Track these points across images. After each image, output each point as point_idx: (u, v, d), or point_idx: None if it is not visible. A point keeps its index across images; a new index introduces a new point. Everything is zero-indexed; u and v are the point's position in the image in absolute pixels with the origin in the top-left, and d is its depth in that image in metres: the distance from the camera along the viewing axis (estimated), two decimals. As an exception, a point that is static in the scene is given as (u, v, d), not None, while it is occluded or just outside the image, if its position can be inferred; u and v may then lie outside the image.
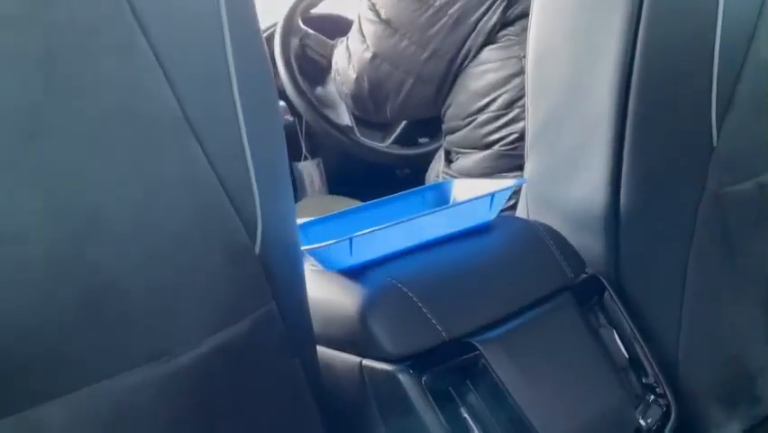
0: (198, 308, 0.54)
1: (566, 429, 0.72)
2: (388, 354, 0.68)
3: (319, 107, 1.47)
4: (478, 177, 1.17)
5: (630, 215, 0.84)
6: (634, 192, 0.83)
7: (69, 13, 0.44)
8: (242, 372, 0.58)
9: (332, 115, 1.48)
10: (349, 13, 1.58)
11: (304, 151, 1.60)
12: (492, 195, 0.79)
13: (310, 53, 1.49)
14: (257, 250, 0.56)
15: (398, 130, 1.56)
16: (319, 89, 1.52)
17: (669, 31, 0.79)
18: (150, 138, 0.48)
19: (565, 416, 0.72)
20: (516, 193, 1.02)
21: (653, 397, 0.80)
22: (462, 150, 1.21)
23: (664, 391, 0.80)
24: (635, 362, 0.81)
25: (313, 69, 1.50)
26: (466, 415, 0.68)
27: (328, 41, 1.47)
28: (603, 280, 0.83)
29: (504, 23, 1.13)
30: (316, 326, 0.68)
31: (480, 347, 0.70)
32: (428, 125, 1.50)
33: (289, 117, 1.56)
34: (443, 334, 0.70)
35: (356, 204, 1.33)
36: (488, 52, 1.14)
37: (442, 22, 1.13)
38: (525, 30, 0.99)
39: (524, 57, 1.04)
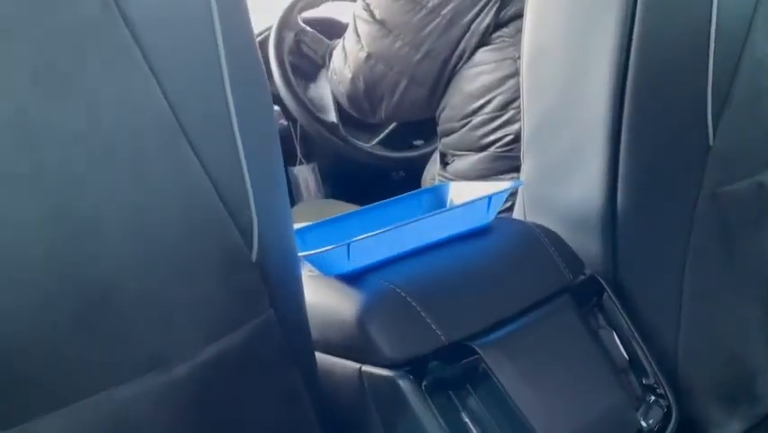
0: (195, 316, 0.53)
1: (567, 432, 0.71)
2: (388, 359, 0.68)
3: (314, 112, 1.47)
4: (474, 179, 1.17)
5: (627, 214, 0.84)
6: (631, 192, 0.83)
7: (61, 22, 0.44)
8: (241, 380, 0.57)
9: (322, 115, 1.48)
10: (344, 18, 1.58)
11: (299, 155, 1.60)
12: (489, 197, 0.79)
13: (305, 49, 1.49)
14: (254, 257, 0.56)
15: (386, 131, 1.55)
16: (312, 87, 1.51)
17: (663, 30, 0.79)
18: (144, 146, 0.48)
19: (566, 418, 0.72)
20: (512, 195, 1.02)
21: (653, 398, 0.79)
22: (458, 152, 1.21)
23: (665, 391, 0.80)
24: (634, 362, 0.81)
25: (306, 65, 1.50)
26: (467, 419, 0.68)
27: (324, 38, 1.47)
28: (602, 281, 0.83)
29: (498, 25, 1.13)
30: (315, 332, 0.67)
31: (479, 351, 0.70)
32: (421, 128, 1.50)
33: (284, 122, 1.56)
34: (443, 338, 0.69)
35: (352, 208, 1.32)
36: (482, 54, 1.14)
37: (435, 22, 1.13)
38: (519, 31, 0.99)
39: (518, 58, 1.04)
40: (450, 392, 0.69)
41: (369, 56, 1.19)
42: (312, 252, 0.71)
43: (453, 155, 1.23)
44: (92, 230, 0.47)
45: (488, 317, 0.73)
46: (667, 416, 0.79)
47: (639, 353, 0.81)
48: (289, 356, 0.61)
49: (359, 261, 0.74)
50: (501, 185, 0.82)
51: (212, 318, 0.54)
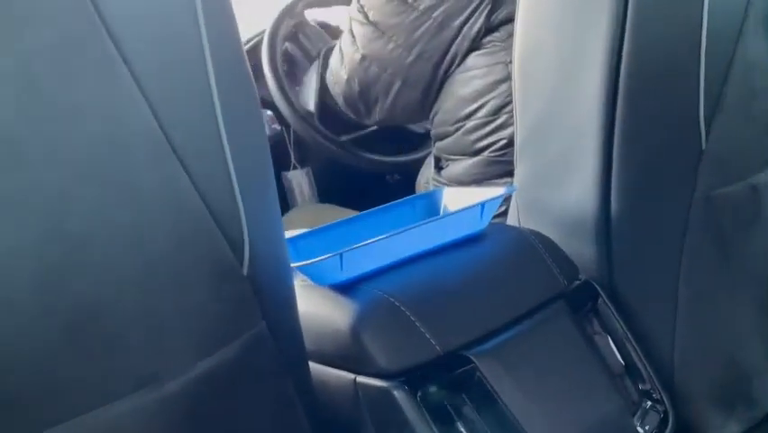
0: (187, 332, 0.53)
1: (564, 439, 0.71)
2: (382, 369, 0.67)
3: (308, 118, 1.46)
4: (468, 183, 1.17)
5: (621, 218, 0.83)
6: (624, 196, 0.83)
7: (46, 38, 0.43)
8: (234, 394, 0.57)
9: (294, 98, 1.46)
10: (342, 24, 1.58)
11: (293, 160, 1.60)
12: (483, 204, 0.79)
13: (302, 38, 1.48)
14: (245, 270, 0.56)
15: (362, 132, 1.52)
16: (303, 81, 1.50)
17: (655, 33, 0.79)
18: (132, 162, 0.48)
19: (563, 426, 0.72)
20: (506, 200, 1.01)
21: (650, 403, 0.79)
22: (452, 156, 1.21)
23: (661, 396, 0.79)
24: (630, 368, 0.80)
25: (299, 55, 1.50)
26: (463, 429, 0.68)
27: (325, 34, 1.47)
28: (596, 286, 0.83)
29: (489, 29, 1.13)
30: (308, 342, 0.67)
31: (474, 360, 0.69)
32: (401, 135, 1.49)
33: (277, 126, 1.56)
34: (437, 348, 0.69)
35: (346, 212, 1.32)
36: (474, 58, 1.14)
37: (426, 25, 1.13)
38: (510, 36, 0.99)
39: (510, 62, 1.04)
40: (445, 402, 0.69)
41: (363, 57, 1.20)
42: (305, 262, 0.71)
43: (448, 159, 1.23)
44: (81, 248, 0.46)
45: (483, 325, 0.72)
46: (664, 421, 0.79)
47: (635, 358, 0.81)
48: (283, 368, 0.61)
49: (352, 270, 0.74)
50: (495, 191, 0.81)
51: (204, 334, 0.54)
